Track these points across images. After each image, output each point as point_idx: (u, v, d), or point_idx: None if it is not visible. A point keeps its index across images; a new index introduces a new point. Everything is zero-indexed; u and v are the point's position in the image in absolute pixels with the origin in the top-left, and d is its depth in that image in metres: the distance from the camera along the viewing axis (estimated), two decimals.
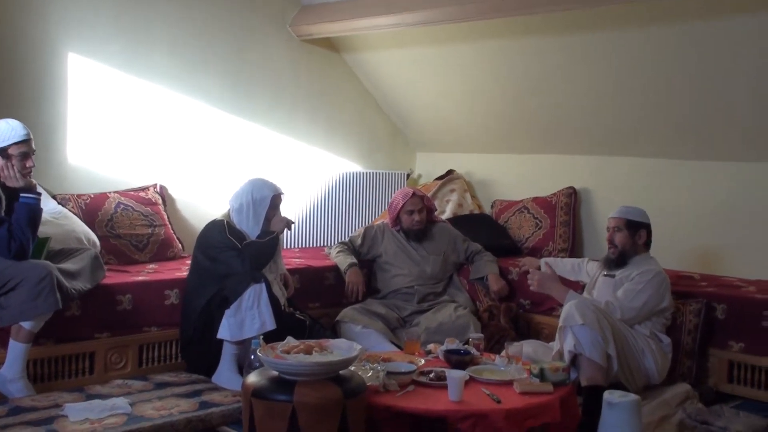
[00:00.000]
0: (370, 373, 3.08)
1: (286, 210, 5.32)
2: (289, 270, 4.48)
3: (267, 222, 4.07)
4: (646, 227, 3.98)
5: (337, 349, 2.91)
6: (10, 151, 3.50)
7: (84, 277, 3.75)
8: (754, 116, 4.46)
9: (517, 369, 3.29)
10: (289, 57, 5.67)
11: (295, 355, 2.80)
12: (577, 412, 3.28)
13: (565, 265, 4.50)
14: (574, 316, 3.55)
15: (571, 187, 5.41)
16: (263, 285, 3.80)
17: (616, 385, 3.52)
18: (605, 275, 4.05)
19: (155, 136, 5.03)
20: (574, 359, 3.55)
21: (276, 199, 4.11)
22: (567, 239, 5.27)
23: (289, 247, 5.56)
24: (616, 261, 3.99)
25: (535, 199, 5.51)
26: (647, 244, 4.00)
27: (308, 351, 2.83)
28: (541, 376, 3.16)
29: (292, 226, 4.20)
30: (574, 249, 5.28)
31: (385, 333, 4.43)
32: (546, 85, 5.19)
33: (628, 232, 3.96)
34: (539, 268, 4.49)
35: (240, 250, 3.94)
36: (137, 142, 4.95)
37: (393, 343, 4.37)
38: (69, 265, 3.69)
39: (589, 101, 5.07)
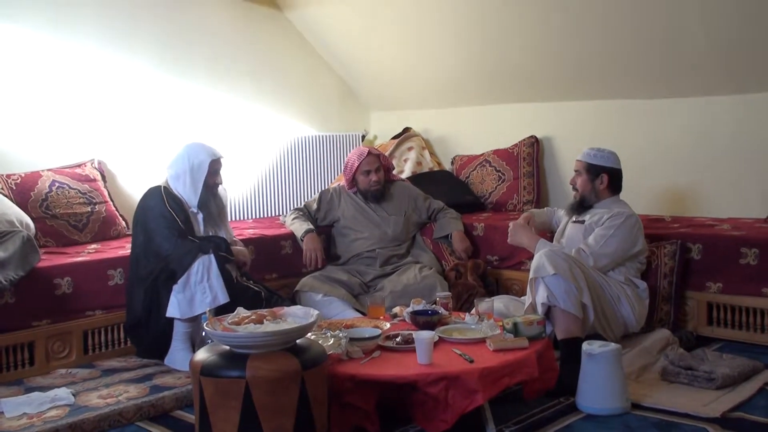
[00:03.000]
0: (331, 341, 2.86)
1: (237, 180, 5.07)
2: (242, 241, 4.21)
3: (206, 188, 3.81)
4: (609, 171, 3.78)
5: (292, 316, 2.68)
6: None
7: (14, 263, 3.46)
8: (708, 50, 4.25)
9: (489, 326, 3.10)
10: (228, 16, 5.35)
11: (245, 326, 2.56)
12: (555, 366, 3.11)
13: (543, 214, 4.26)
14: (545, 266, 3.35)
15: (533, 136, 5.20)
16: (212, 256, 3.54)
17: (594, 336, 3.35)
18: (574, 221, 3.87)
19: (88, 107, 4.68)
20: (548, 312, 3.35)
21: (215, 164, 3.84)
22: (532, 191, 5.08)
23: (241, 218, 5.27)
24: (578, 206, 3.85)
25: (496, 152, 5.29)
26: (612, 188, 3.80)
27: (260, 321, 2.59)
28: (515, 331, 2.99)
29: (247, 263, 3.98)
30: (540, 200, 5.09)
31: (348, 300, 4.23)
32: (496, 32, 4.93)
33: (588, 176, 3.80)
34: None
35: (173, 220, 3.65)
36: (69, 114, 4.60)
37: (357, 310, 4.17)
38: None
39: (542, 45, 4.83)
